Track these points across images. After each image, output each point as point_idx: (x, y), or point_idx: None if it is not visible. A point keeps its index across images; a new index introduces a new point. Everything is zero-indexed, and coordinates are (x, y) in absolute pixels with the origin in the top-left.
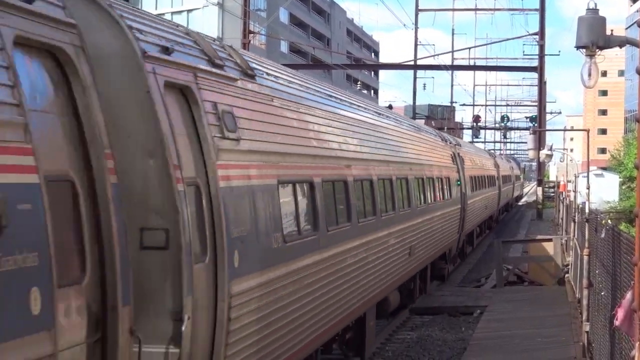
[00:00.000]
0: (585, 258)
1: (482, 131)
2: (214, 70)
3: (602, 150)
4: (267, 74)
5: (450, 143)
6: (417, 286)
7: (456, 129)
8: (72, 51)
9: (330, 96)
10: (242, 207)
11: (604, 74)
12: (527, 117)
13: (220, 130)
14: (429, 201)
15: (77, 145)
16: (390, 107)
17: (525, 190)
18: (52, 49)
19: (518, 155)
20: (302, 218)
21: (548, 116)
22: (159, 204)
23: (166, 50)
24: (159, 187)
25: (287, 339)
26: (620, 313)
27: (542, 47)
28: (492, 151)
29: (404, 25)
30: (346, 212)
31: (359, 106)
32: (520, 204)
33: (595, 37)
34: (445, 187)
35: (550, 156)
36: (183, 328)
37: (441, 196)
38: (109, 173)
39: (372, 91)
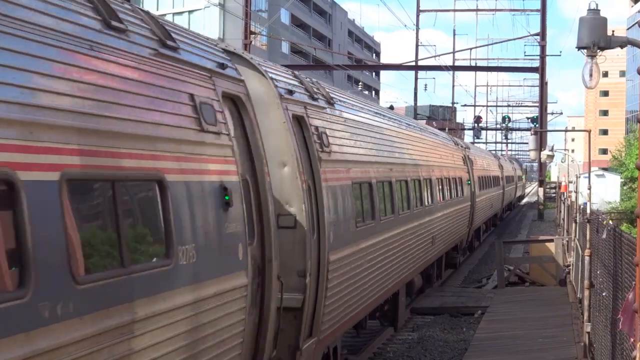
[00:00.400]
0: (587, 259)
1: (483, 132)
2: (314, 102)
3: (604, 151)
4: (340, 100)
5: (461, 146)
6: (435, 272)
7: (457, 129)
8: (244, 97)
9: (377, 113)
10: (333, 200)
11: (605, 74)
12: (528, 118)
13: (321, 146)
14: (447, 198)
15: (248, 157)
16: (391, 107)
17: (527, 190)
18: (234, 97)
19: (519, 156)
20: (365, 210)
21: (549, 117)
22: (290, 198)
23: (291, 93)
24: (290, 186)
25: (357, 299)
26: (623, 316)
27: (543, 48)
28: (496, 153)
29: (405, 26)
30: (391, 206)
31: (395, 119)
32: (522, 203)
33: (596, 37)
34: (458, 186)
35: (551, 157)
36: (307, 281)
37: (456, 194)
38: (266, 175)
39: (374, 92)
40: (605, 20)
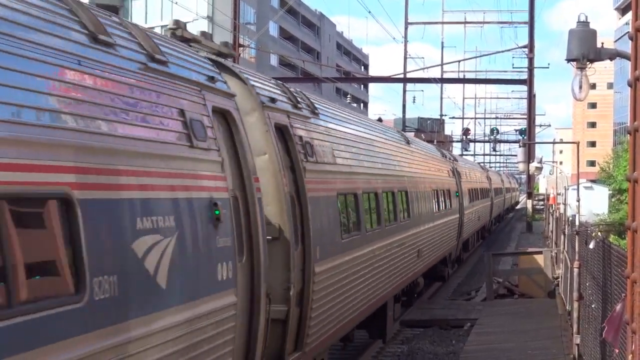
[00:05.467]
0: (576, 270)
1: (471, 144)
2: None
3: (592, 163)
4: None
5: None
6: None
7: (446, 142)
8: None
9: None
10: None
11: (593, 86)
12: (516, 130)
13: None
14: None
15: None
16: (380, 120)
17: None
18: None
19: (508, 168)
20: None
21: (537, 129)
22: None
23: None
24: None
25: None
26: (608, 325)
27: (531, 60)
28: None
29: (394, 38)
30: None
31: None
32: (517, 208)
33: (586, 49)
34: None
35: (539, 169)
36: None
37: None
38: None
39: (362, 104)
40: (594, 32)
